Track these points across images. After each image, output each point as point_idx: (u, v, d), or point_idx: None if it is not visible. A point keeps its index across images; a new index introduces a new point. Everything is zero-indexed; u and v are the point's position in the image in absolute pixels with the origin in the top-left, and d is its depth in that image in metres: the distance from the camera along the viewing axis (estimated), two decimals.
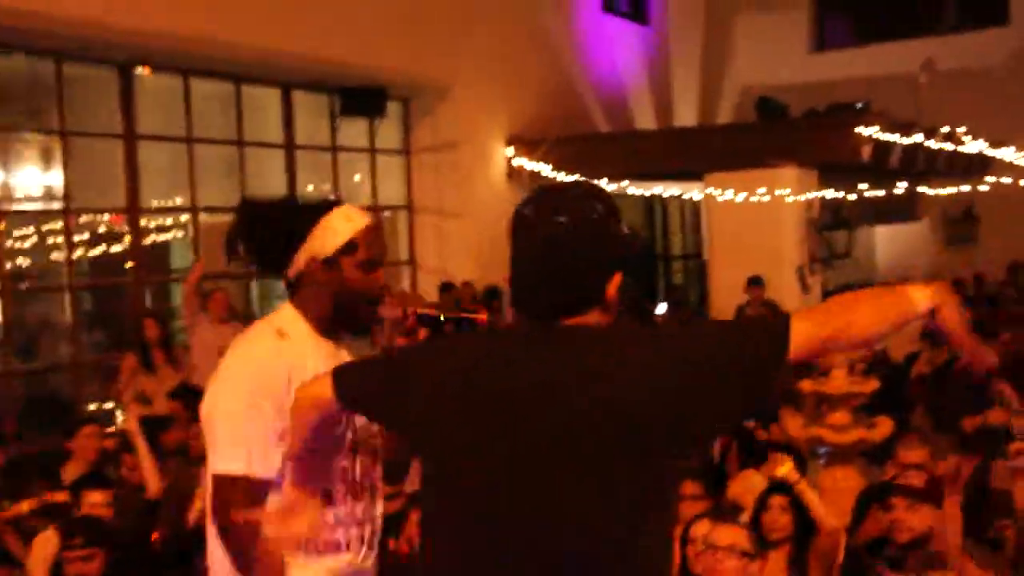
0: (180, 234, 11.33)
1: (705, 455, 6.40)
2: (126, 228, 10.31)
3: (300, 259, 2.82)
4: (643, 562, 2.08)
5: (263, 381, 2.71)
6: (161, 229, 11.18)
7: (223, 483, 2.67)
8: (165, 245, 11.59)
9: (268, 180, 11.62)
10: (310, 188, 12.11)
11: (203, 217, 10.93)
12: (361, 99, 11.98)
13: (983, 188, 13.84)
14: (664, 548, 2.18)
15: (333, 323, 2.87)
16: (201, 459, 5.91)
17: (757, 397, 2.15)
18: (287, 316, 2.87)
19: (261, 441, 2.67)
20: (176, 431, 6.65)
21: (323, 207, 2.86)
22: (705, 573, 4.11)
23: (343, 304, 2.84)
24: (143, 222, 10.53)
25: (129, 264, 10.41)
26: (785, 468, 4.79)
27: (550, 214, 2.16)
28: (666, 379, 2.06)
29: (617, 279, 2.17)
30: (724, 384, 2.08)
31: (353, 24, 10.81)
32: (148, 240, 10.84)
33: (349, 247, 2.80)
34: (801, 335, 2.07)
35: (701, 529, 4.19)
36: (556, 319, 2.16)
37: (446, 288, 11.55)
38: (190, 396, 6.89)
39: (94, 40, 9.26)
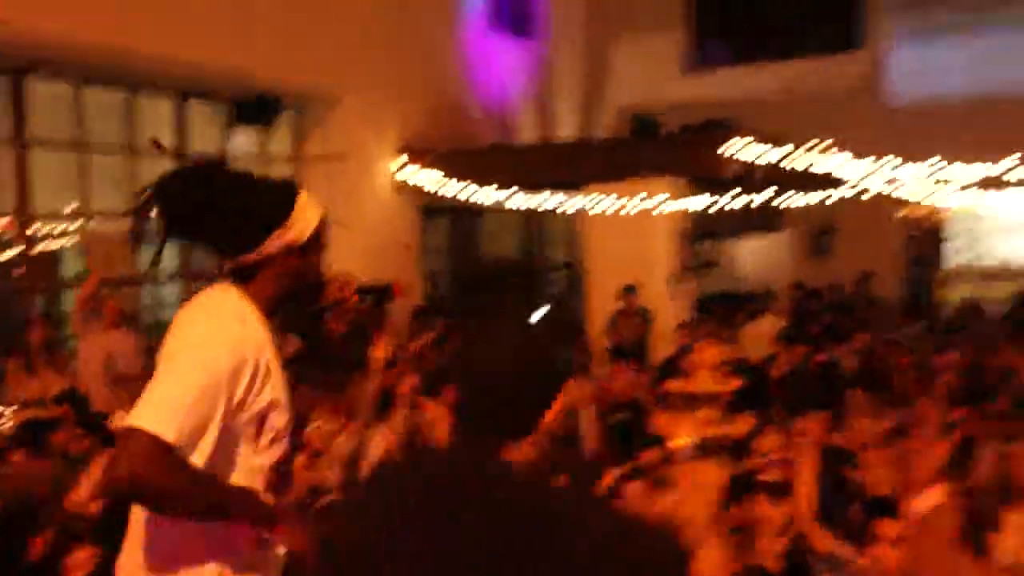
0: (71, 241, 10.98)
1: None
2: (15, 234, 9.94)
3: (273, 244, 2.58)
4: None
5: (227, 365, 2.44)
6: (52, 236, 10.81)
7: (148, 442, 2.28)
8: (56, 251, 11.22)
9: None
10: None
11: (94, 224, 10.71)
12: (254, 108, 11.80)
13: (834, 201, 14.16)
14: None
15: (281, 310, 2.67)
16: (83, 460, 5.78)
17: None
18: (237, 301, 2.59)
19: (200, 422, 2.37)
20: (62, 433, 6.43)
21: (291, 189, 2.65)
22: None
23: (302, 292, 2.70)
24: (33, 228, 10.18)
25: (18, 270, 10.02)
26: (683, 440, 4.81)
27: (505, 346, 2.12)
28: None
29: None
30: None
31: (247, 35, 10.68)
32: (39, 246, 10.48)
33: (317, 234, 2.65)
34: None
35: None
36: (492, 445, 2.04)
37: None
38: (77, 400, 6.77)
39: None
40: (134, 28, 9.50)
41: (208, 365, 2.41)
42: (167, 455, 2.28)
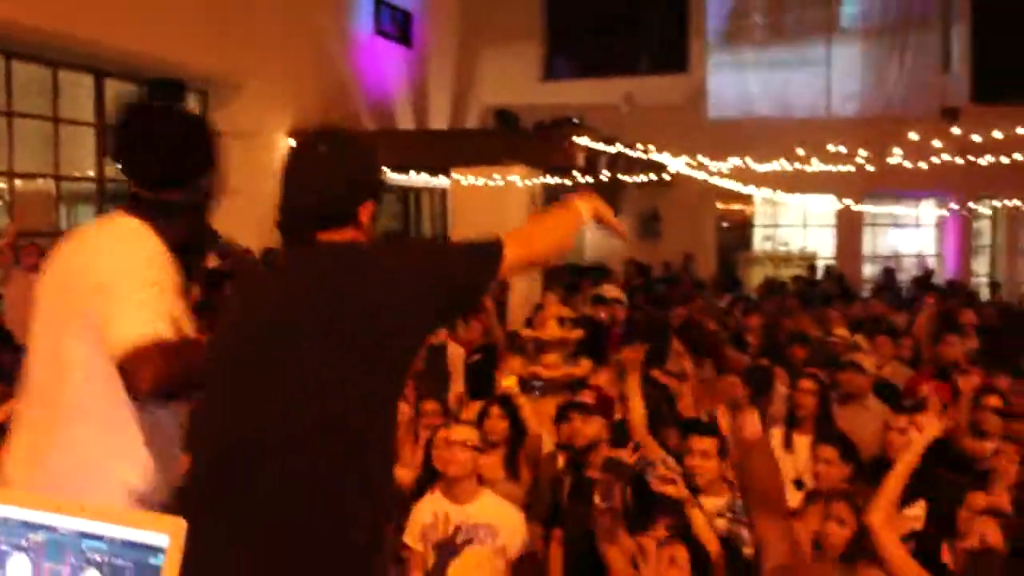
0: None
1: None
2: None
3: (199, 185, 2.47)
4: (356, 420, 2.04)
5: (166, 273, 2.36)
6: None
7: (140, 350, 2.16)
8: None
9: (82, 155, 11.32)
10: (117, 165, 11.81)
11: (19, 183, 10.59)
12: (163, 89, 11.76)
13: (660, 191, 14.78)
14: (379, 418, 2.12)
15: (181, 253, 2.45)
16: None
17: (467, 304, 2.35)
18: (151, 236, 2.39)
19: (167, 317, 2.26)
20: None
21: (217, 141, 2.51)
22: (442, 465, 4.27)
23: (199, 241, 2.59)
24: None
25: None
26: (509, 381, 5.16)
27: (315, 145, 2.23)
28: (398, 284, 2.08)
29: (370, 206, 2.19)
30: (440, 293, 2.13)
31: (159, 22, 10.60)
32: None
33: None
34: (511, 258, 2.19)
35: (441, 432, 4.41)
36: (313, 236, 2.15)
37: (223, 252, 11.47)
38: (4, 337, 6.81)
39: None
40: (59, 11, 9.46)
41: (161, 278, 2.31)
42: (164, 350, 2.19)
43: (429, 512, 4.26)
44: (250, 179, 12.00)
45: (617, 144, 12.86)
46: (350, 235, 2.15)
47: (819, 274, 16.63)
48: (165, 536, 1.41)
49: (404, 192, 15.53)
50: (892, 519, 3.36)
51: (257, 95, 12.55)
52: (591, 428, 4.70)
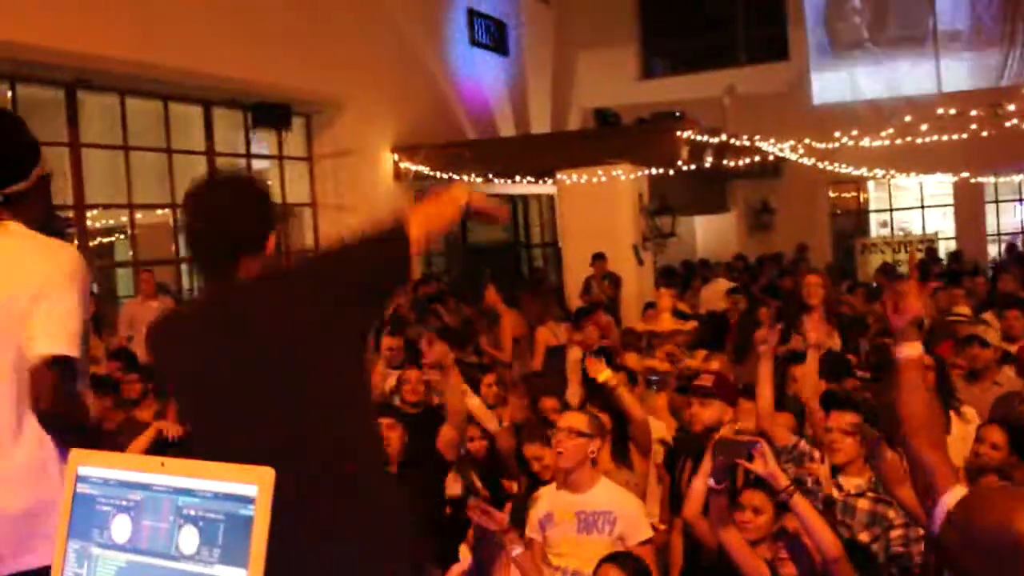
0: (119, 226, 11.33)
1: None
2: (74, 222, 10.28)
3: (35, 173, 2.54)
4: (322, 442, 2.25)
5: (86, 282, 2.49)
6: (105, 228, 11.14)
7: (58, 366, 2.29)
8: (109, 236, 11.57)
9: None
10: None
11: (138, 215, 11.00)
12: (270, 114, 12.10)
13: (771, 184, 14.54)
14: (347, 425, 2.32)
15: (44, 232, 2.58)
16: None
17: (389, 286, 2.54)
18: (24, 227, 2.50)
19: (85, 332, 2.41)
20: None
21: (28, 130, 2.60)
22: (555, 455, 4.26)
23: (49, 218, 2.70)
24: (90, 217, 10.55)
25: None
26: (605, 374, 4.90)
27: (214, 190, 2.43)
28: (308, 302, 2.27)
29: (272, 238, 2.37)
30: (352, 296, 2.30)
31: (262, 49, 10.89)
32: (94, 233, 10.82)
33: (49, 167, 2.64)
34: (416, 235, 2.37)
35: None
36: (225, 270, 2.32)
37: None
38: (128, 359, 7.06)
39: (42, 64, 9.27)
40: (165, 47, 9.80)
41: (83, 277, 2.45)
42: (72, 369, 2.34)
43: (546, 504, 4.23)
44: (357, 195, 12.49)
45: (721, 135, 12.64)
46: (253, 265, 2.32)
47: (940, 256, 16.01)
48: (254, 486, 1.42)
49: (511, 200, 15.57)
50: None
51: (359, 114, 12.80)
52: (709, 412, 4.53)
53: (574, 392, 7.49)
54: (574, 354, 8.04)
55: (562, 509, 4.15)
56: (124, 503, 1.53)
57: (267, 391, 2.22)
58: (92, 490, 1.57)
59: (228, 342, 2.25)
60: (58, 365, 2.28)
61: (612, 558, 3.69)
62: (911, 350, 2.63)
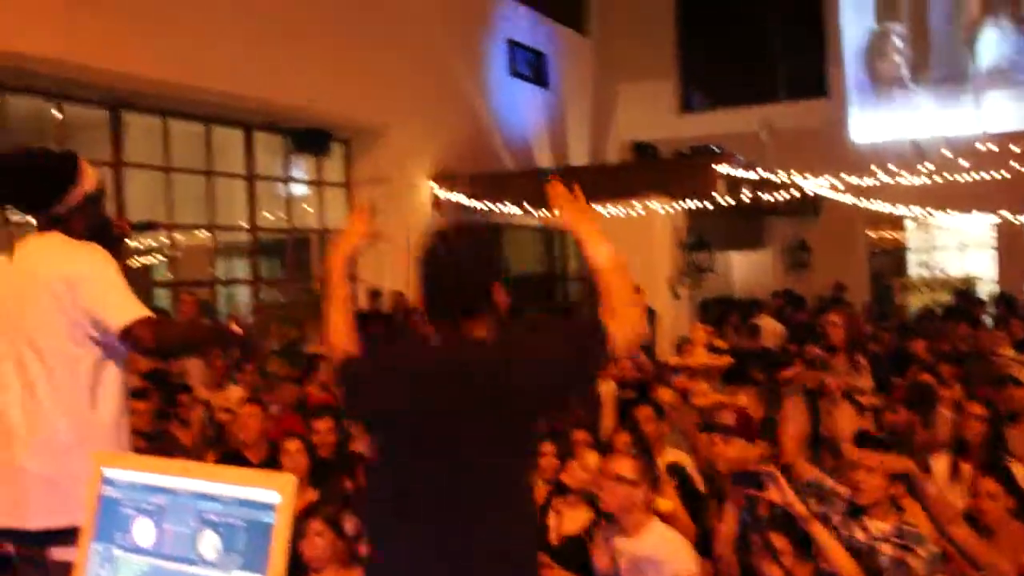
0: (159, 246, 11.41)
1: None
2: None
3: (73, 196, 2.90)
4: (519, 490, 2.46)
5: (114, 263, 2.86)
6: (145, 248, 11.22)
7: (138, 325, 2.74)
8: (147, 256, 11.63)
9: (232, 206, 11.79)
10: (266, 214, 12.29)
11: (179, 236, 11.11)
12: (309, 140, 12.21)
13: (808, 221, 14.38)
14: (527, 480, 2.53)
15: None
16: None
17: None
18: (68, 239, 2.89)
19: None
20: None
21: (73, 157, 2.97)
22: (602, 499, 4.17)
23: (99, 229, 2.99)
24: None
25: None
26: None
27: (451, 248, 2.54)
28: (537, 364, 2.41)
29: (500, 287, 2.50)
30: (575, 371, 2.50)
31: (303, 76, 10.99)
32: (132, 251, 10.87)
33: (100, 187, 3.02)
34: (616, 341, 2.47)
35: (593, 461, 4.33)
36: (456, 321, 2.46)
37: (375, 295, 11.79)
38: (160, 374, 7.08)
39: (88, 84, 9.41)
40: (208, 71, 9.94)
41: (117, 271, 2.83)
42: (157, 323, 2.81)
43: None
44: (395, 222, 12.50)
45: (758, 169, 12.58)
46: (484, 319, 2.46)
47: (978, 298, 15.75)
48: (276, 493, 1.40)
49: (548, 233, 15.55)
50: None
51: (399, 141, 12.87)
52: (732, 450, 4.52)
53: (607, 426, 7.47)
54: (607, 387, 7.99)
55: (616, 551, 4.09)
56: (147, 507, 1.52)
57: (484, 442, 2.36)
58: (116, 493, 1.56)
59: (459, 392, 2.37)
60: (132, 331, 2.73)
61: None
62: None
